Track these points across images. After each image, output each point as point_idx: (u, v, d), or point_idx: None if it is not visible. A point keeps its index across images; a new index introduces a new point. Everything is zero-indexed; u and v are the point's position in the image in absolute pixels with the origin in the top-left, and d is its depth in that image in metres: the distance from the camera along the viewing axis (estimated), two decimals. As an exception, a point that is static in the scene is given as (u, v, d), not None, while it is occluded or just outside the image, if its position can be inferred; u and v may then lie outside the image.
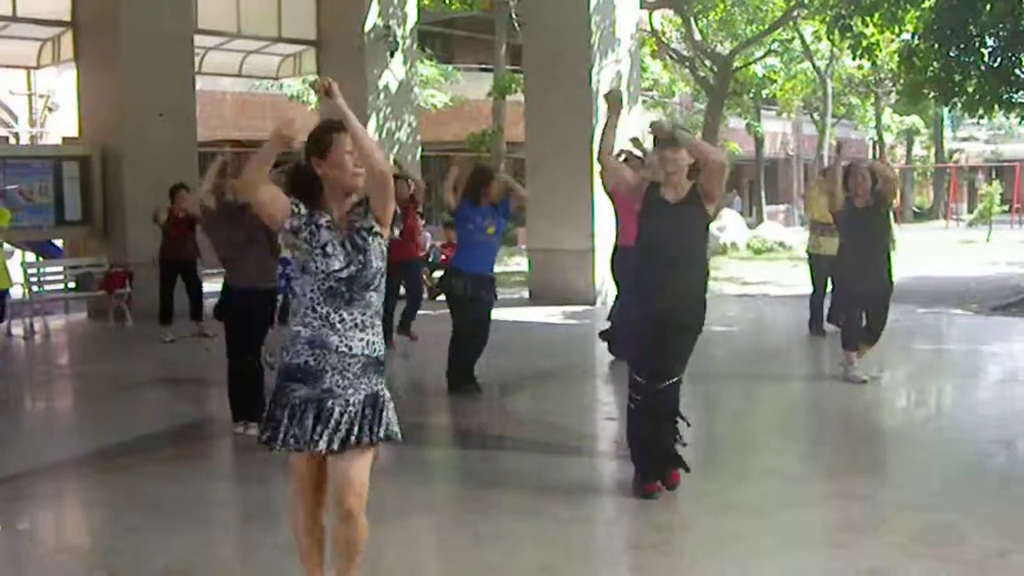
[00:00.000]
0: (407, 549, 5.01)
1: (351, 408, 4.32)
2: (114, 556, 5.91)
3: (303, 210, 4.37)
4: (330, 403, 4.30)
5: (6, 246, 18.32)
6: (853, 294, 9.78)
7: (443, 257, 18.66)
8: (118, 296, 15.78)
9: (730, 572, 5.24)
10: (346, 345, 4.33)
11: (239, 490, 7.25)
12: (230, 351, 8.35)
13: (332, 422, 4.28)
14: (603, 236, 16.30)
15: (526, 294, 17.71)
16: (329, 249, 4.33)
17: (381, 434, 4.37)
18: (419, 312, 12.93)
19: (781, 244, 28.87)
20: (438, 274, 18.15)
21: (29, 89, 25.99)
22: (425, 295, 18.32)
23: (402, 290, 12.65)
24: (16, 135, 26.75)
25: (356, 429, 4.30)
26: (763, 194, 39.02)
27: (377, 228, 4.42)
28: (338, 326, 4.32)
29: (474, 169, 10.23)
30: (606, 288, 16.69)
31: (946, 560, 5.25)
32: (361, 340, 4.36)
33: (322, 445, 4.28)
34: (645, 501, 6.30)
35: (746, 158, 41.29)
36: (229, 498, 6.97)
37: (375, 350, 4.41)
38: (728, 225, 29.47)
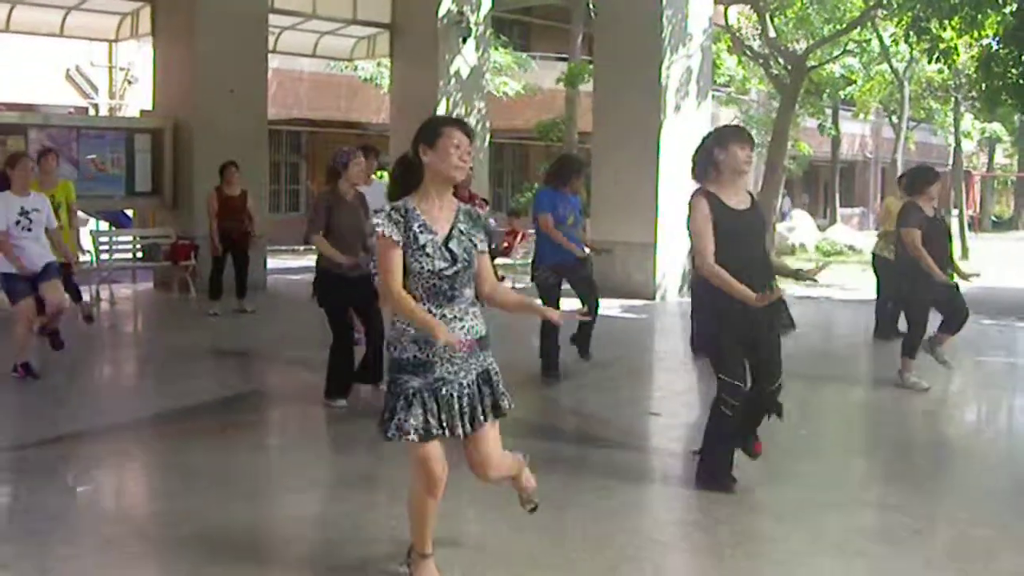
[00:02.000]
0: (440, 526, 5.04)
1: (467, 391, 4.57)
2: (147, 520, 6.04)
3: (400, 222, 4.52)
4: (445, 391, 4.52)
5: (80, 214, 18.74)
6: (922, 300, 9.61)
7: (505, 245, 18.68)
8: (183, 268, 16.06)
9: (746, 573, 5.21)
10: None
11: (280, 462, 7.33)
12: (334, 331, 8.51)
13: (455, 408, 4.53)
14: (665, 230, 16.25)
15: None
16: (430, 249, 4.50)
17: (503, 407, 4.70)
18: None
19: (851, 247, 28.43)
20: (500, 261, 18.22)
21: (110, 61, 26.35)
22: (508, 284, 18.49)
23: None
24: (96, 106, 27.15)
25: (480, 409, 4.60)
26: (838, 196, 38.54)
27: (480, 246, 4.67)
28: (442, 321, 4.48)
29: (563, 157, 10.24)
30: (666, 283, 16.65)
31: (976, 577, 5.19)
32: (462, 329, 4.56)
33: (458, 431, 4.55)
34: (674, 496, 6.37)
35: (822, 159, 40.85)
36: (269, 469, 7.04)
37: (477, 332, 4.62)
38: (798, 226, 29.19)
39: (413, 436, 4.45)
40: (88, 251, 15.85)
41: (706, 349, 6.56)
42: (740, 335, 6.13)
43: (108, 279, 16.00)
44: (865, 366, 11.82)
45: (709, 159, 6.18)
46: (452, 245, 4.54)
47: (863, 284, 17.51)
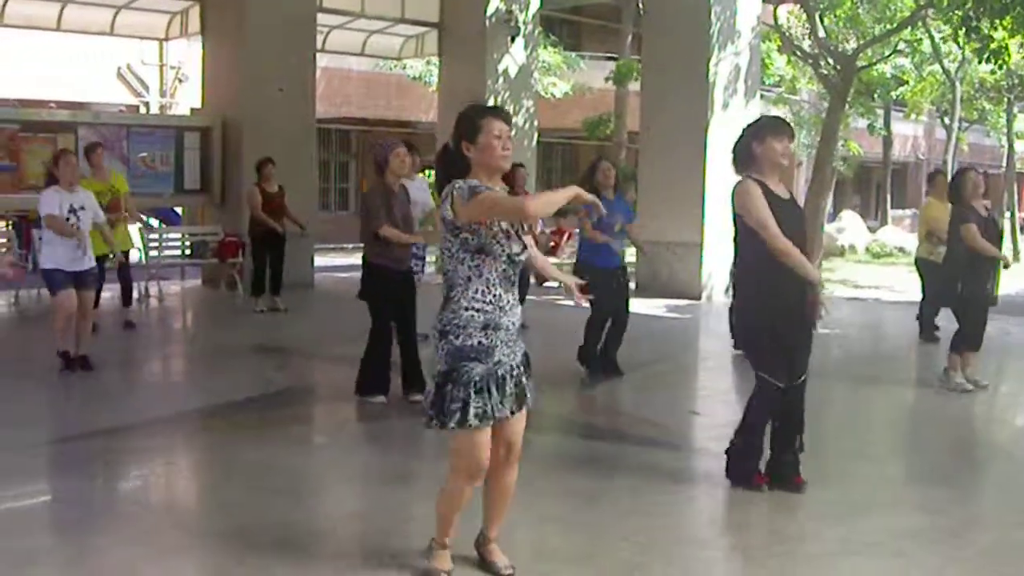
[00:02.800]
0: (465, 526, 5.04)
1: (515, 372, 4.66)
2: (185, 512, 6.09)
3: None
4: (501, 372, 4.59)
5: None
6: (970, 300, 9.52)
7: (552, 244, 18.66)
8: (230, 265, 16.18)
9: (781, 573, 5.17)
10: (511, 323, 4.62)
11: (318, 457, 7.36)
12: (375, 325, 8.52)
13: (508, 388, 4.61)
14: (712, 230, 16.15)
15: (633, 286, 17.57)
16: (510, 231, 4.55)
17: (533, 391, 4.79)
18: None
19: (901, 249, 28.09)
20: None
21: (161, 60, 26.60)
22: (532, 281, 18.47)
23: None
24: (147, 105, 27.42)
25: (524, 390, 4.71)
26: (889, 198, 38.12)
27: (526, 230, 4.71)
28: (506, 307, 4.59)
29: (593, 162, 10.29)
30: (712, 282, 16.55)
31: (1011, 581, 5.11)
32: (518, 315, 4.69)
33: (508, 411, 4.63)
34: (708, 495, 6.34)
35: (873, 160, 40.43)
36: (307, 465, 7.06)
37: (520, 319, 4.72)
38: (847, 227, 28.94)
39: (475, 422, 4.51)
40: (138, 247, 16.03)
41: (747, 346, 6.52)
42: (782, 333, 6.09)
43: (157, 276, 16.13)
44: (909, 367, 11.66)
45: (748, 152, 6.18)
46: (518, 228, 4.61)
47: (912, 286, 17.31)
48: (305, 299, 15.28)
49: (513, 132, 15.34)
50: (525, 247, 4.62)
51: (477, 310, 4.52)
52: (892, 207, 39.06)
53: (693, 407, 9.25)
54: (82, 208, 9.42)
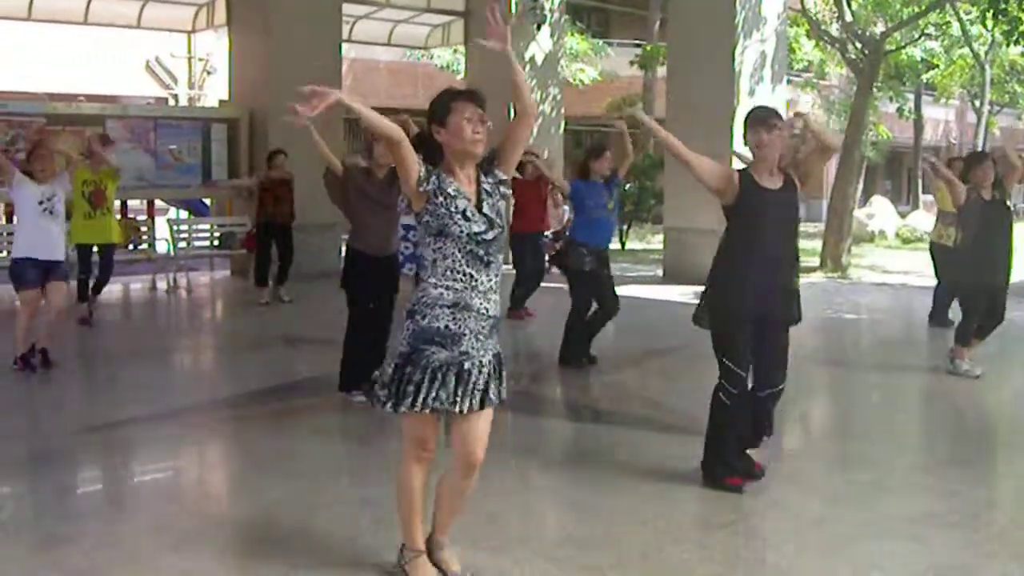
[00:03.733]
0: (480, 513, 5.07)
1: (485, 369, 4.47)
2: (205, 499, 6.13)
3: (433, 177, 4.40)
4: (467, 365, 4.42)
5: (158, 203, 19.07)
6: (974, 288, 9.46)
7: (551, 249, 18.56)
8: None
9: (797, 557, 5.16)
10: (484, 307, 4.44)
11: (335, 447, 7.42)
12: (351, 317, 8.34)
13: (471, 384, 4.42)
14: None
15: (660, 272, 17.57)
16: (469, 213, 4.39)
17: (503, 394, 4.57)
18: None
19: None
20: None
21: (189, 52, 26.72)
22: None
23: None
24: (175, 97, 27.56)
25: (491, 388, 4.49)
26: (920, 183, 37.84)
27: (505, 179, 4.56)
28: (479, 288, 4.42)
29: (594, 146, 10.26)
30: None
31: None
32: (495, 302, 4.51)
33: (465, 406, 4.42)
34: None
35: (905, 145, 40.14)
36: (322, 453, 7.08)
37: (499, 311, 4.56)
38: (877, 213, 28.73)
39: (425, 409, 4.39)
40: (166, 239, 16.14)
41: (713, 330, 6.40)
42: (752, 321, 6.05)
43: (186, 267, 16.22)
44: (930, 353, 11.56)
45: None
46: (485, 209, 4.45)
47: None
48: (331, 289, 15.29)
49: (539, 120, 15.40)
50: (493, 226, 4.44)
51: (446, 287, 4.39)
52: (924, 192, 38.76)
53: (708, 395, 9.19)
54: (53, 196, 9.31)
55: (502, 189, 4.56)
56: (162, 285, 15.67)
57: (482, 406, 4.48)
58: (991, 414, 8.84)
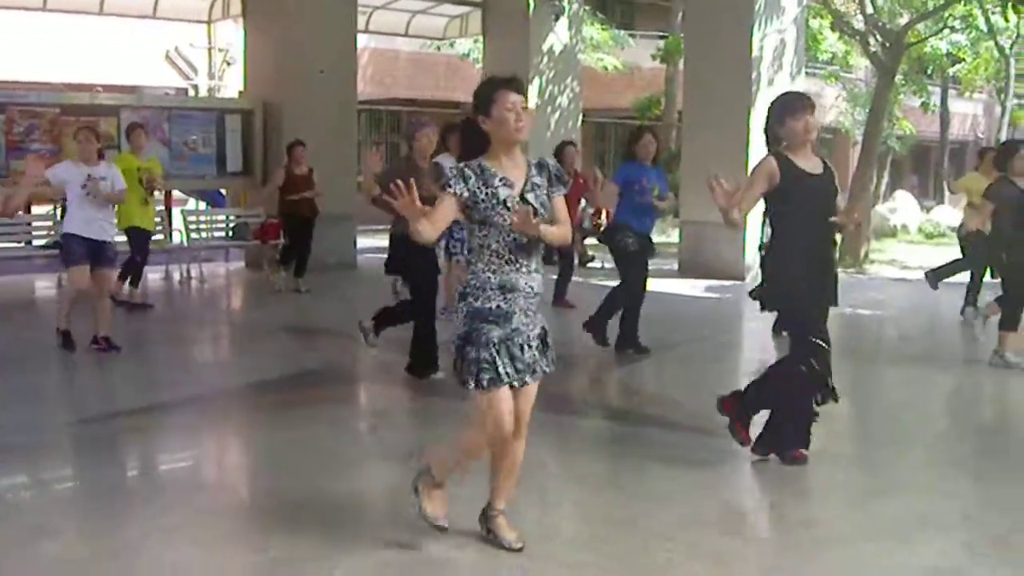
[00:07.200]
0: (461, 506, 4.98)
1: (534, 343, 4.73)
2: (199, 492, 6.01)
3: (472, 178, 4.62)
4: (519, 341, 4.66)
5: (177, 193, 19.08)
6: (1013, 275, 9.41)
7: (594, 224, 18.50)
8: (272, 247, 16.15)
9: (782, 558, 5.07)
10: (530, 286, 4.68)
11: (340, 437, 7.28)
12: (415, 299, 8.62)
13: (527, 357, 4.68)
14: (756, 209, 15.86)
15: (675, 266, 17.41)
16: (510, 203, 4.60)
17: (551, 365, 4.84)
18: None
19: (954, 229, 27.58)
20: (589, 242, 18.06)
21: (209, 43, 26.67)
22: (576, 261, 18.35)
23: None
24: (195, 88, 27.56)
25: (541, 362, 4.76)
26: (945, 178, 37.51)
27: (556, 195, 4.82)
28: (522, 270, 4.66)
29: (635, 128, 10.25)
30: (755, 263, 16.31)
31: (1016, 567, 4.95)
32: (536, 281, 4.73)
33: (528, 378, 4.70)
34: (723, 479, 6.24)
35: (931, 139, 39.76)
36: (327, 443, 6.99)
37: (542, 288, 4.80)
38: (900, 207, 28.45)
39: (486, 384, 4.57)
40: (179, 229, 16.12)
41: (787, 320, 6.45)
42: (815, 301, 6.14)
43: (199, 257, 16.19)
44: (941, 348, 11.37)
45: (774, 134, 6.21)
46: (530, 198, 4.66)
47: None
48: (347, 280, 15.27)
49: (558, 113, 15.38)
50: (535, 215, 4.60)
51: (493, 271, 4.62)
52: (950, 188, 38.44)
53: (722, 389, 9.08)
54: (103, 179, 9.56)
55: (554, 191, 4.79)
56: (177, 275, 15.65)
57: (531, 379, 4.73)
58: (1006, 413, 8.66)
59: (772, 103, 6.33)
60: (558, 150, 12.44)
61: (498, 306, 4.61)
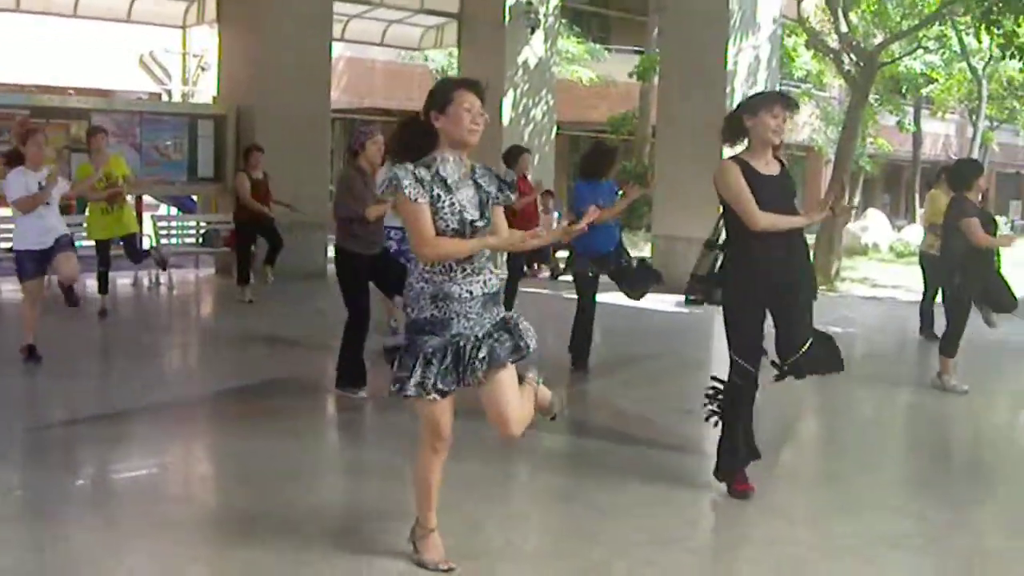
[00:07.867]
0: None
1: (481, 340, 4.56)
2: (171, 503, 5.90)
3: (427, 183, 4.47)
4: (461, 343, 4.54)
5: (147, 199, 18.94)
6: (966, 299, 9.34)
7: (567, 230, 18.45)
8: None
9: (745, 574, 5.00)
10: (467, 291, 4.55)
11: (304, 447, 7.21)
12: (352, 312, 8.38)
13: (468, 357, 4.52)
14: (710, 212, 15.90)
15: (648, 280, 17.36)
16: (456, 206, 4.50)
17: (524, 344, 4.65)
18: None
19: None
20: (562, 254, 18.04)
21: (183, 48, 26.56)
22: (548, 275, 18.33)
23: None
24: (169, 93, 27.43)
25: (496, 349, 4.55)
26: (917, 197, 37.70)
27: (502, 198, 4.72)
28: (457, 277, 4.54)
29: (597, 146, 10.15)
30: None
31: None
32: (478, 283, 4.59)
33: (472, 379, 4.53)
34: (688, 495, 6.15)
35: (904, 159, 40.00)
36: (285, 453, 6.92)
37: (492, 287, 4.66)
38: (871, 226, 28.58)
39: (434, 395, 4.50)
40: (148, 234, 16.01)
41: (726, 321, 6.26)
42: (764, 304, 5.93)
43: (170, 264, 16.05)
44: (905, 367, 11.40)
45: (739, 126, 5.94)
46: (474, 201, 4.58)
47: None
48: (316, 289, 15.18)
49: (531, 125, 15.31)
50: (480, 217, 4.55)
51: (426, 281, 4.55)
52: (921, 206, 38.64)
53: (689, 404, 9.05)
54: (41, 184, 9.29)
55: (500, 194, 4.69)
56: (146, 282, 15.52)
57: (490, 365, 4.52)
58: (973, 433, 8.65)
59: (752, 95, 6.15)
60: (513, 155, 11.95)
61: (432, 315, 4.54)
